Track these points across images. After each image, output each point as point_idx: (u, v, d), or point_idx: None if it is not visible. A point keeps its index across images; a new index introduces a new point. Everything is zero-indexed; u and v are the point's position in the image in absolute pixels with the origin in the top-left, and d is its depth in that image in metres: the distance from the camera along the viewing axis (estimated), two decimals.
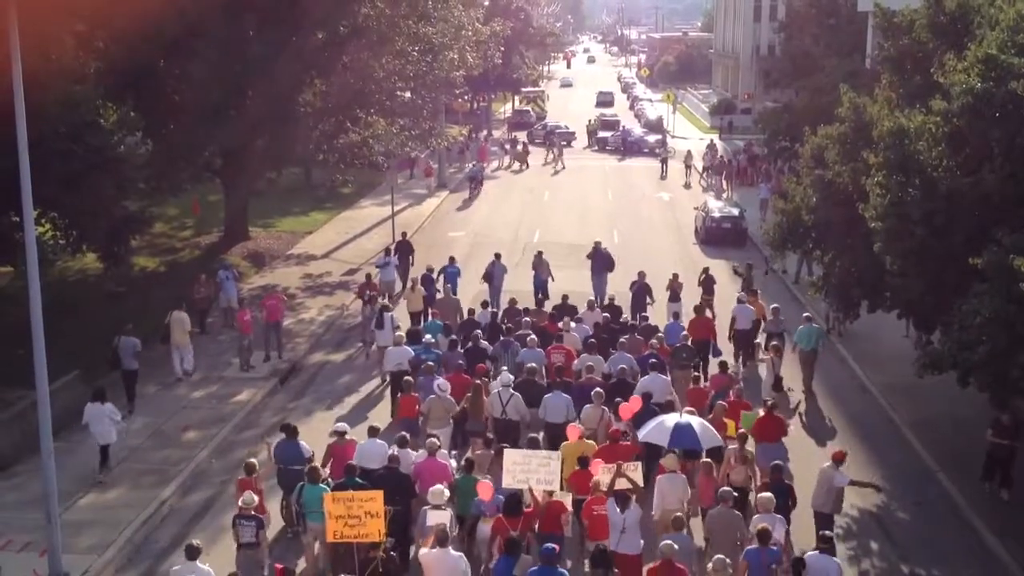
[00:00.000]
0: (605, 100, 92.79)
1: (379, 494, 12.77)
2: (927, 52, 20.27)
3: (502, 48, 53.13)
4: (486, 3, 54.36)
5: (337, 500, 12.76)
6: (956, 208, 16.64)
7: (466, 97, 70.89)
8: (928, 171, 17.03)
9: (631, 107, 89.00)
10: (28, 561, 14.89)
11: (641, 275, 25.74)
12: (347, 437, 15.53)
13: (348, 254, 35.99)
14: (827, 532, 13.47)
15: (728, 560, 12.02)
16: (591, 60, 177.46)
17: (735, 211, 38.51)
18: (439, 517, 12.90)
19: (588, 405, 16.58)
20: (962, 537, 16.58)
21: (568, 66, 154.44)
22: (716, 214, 38.05)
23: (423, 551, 12.54)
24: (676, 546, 12.07)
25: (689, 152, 53.73)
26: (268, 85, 31.81)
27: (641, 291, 25.32)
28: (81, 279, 30.61)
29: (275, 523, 15.43)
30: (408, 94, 39.62)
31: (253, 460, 15.17)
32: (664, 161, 55.25)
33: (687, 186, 50.93)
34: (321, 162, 39.49)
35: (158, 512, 16.80)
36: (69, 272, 30.86)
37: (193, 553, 12.44)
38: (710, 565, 11.93)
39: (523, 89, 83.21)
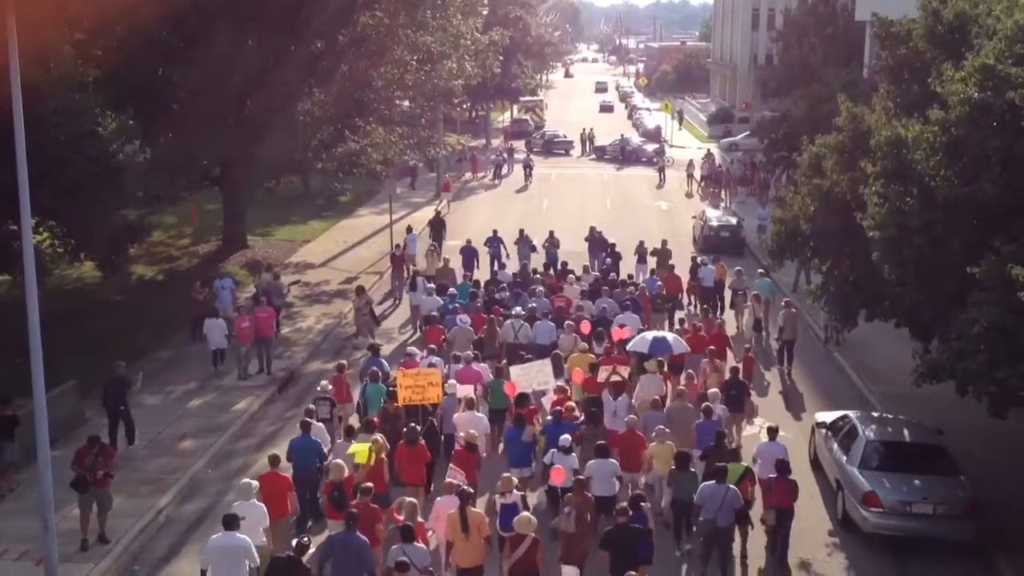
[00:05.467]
0: (601, 87, 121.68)
1: (437, 371, 18.23)
2: (925, 62, 20.29)
3: (501, 57, 53.07)
4: (485, 12, 54.33)
5: (407, 374, 17.59)
6: (954, 217, 16.65)
7: (465, 106, 70.94)
8: (926, 180, 17.04)
9: (629, 116, 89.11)
10: (25, 570, 14.86)
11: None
12: (415, 358, 19.86)
13: (346, 263, 35.99)
14: (772, 424, 17.40)
15: (672, 440, 16.46)
16: (593, 60, 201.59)
17: (733, 220, 38.58)
18: (466, 391, 17.93)
19: (563, 335, 21.89)
20: (962, 547, 16.52)
21: (567, 74, 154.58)
22: (714, 223, 38.13)
23: (457, 414, 17.18)
24: (637, 419, 17.11)
25: (691, 162, 53.82)
26: (267, 94, 31.87)
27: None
28: (79, 288, 30.60)
29: None
30: (407, 103, 39.70)
31: (344, 362, 20.60)
32: (662, 170, 55.34)
33: (688, 195, 50.99)
34: (320, 171, 39.54)
35: (155, 521, 16.76)
36: (67, 281, 30.85)
37: (275, 461, 15.39)
38: (654, 433, 16.47)
39: (522, 98, 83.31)
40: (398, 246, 32.63)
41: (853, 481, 16.75)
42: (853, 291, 20.96)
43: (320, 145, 35.72)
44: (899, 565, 16.13)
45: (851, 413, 18.94)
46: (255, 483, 14.17)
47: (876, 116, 20.30)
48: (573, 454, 15.70)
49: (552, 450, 15.83)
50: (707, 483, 14.95)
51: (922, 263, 17.18)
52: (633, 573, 12.42)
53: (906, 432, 18.12)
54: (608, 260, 30.61)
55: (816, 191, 22.18)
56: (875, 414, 19.78)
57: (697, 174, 52.79)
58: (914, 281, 17.66)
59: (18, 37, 12.69)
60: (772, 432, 16.95)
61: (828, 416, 19.40)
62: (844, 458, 17.36)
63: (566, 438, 15.80)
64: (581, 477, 14.65)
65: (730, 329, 26.31)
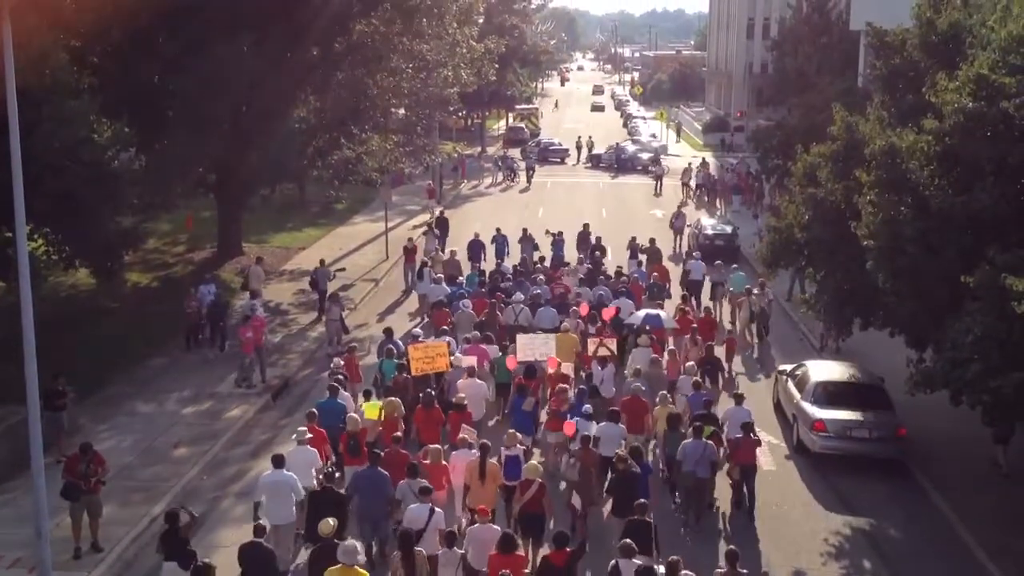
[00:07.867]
0: (597, 90, 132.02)
1: (445, 344, 20.44)
2: (919, 71, 20.37)
3: (496, 65, 53.19)
4: (481, 21, 54.46)
5: (417, 348, 20.03)
6: (948, 227, 16.70)
7: (460, 114, 70.99)
8: (920, 190, 17.10)
9: (624, 125, 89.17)
10: None
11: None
12: (419, 340, 21.44)
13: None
14: (739, 392, 19.58)
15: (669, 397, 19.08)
16: (591, 70, 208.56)
17: (728, 228, 38.62)
18: (470, 361, 20.01)
19: (567, 319, 23.70)
20: (955, 555, 16.59)
21: (562, 83, 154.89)
22: (709, 231, 38.17)
23: (460, 380, 19.35)
24: (643, 387, 18.96)
25: (686, 170, 53.87)
26: (263, 101, 31.85)
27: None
28: (73, 295, 30.51)
29: None
30: (402, 111, 39.71)
31: (355, 344, 23.29)
32: (658, 178, 55.36)
33: (684, 204, 50.97)
34: (315, 178, 39.48)
35: (148, 529, 16.68)
36: (61, 288, 30.75)
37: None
38: (656, 399, 18.70)
39: (517, 106, 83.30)
40: (410, 239, 33.97)
41: (805, 412, 20.15)
42: (847, 300, 21.02)
43: (316, 153, 35.69)
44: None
45: (807, 362, 22.49)
46: (310, 433, 16.26)
47: (870, 125, 20.37)
48: (593, 420, 17.69)
49: (577, 418, 17.61)
50: (687, 441, 17.03)
51: (916, 272, 17.23)
52: (644, 501, 14.04)
53: (850, 374, 21.38)
54: (596, 253, 32.35)
55: (810, 200, 22.22)
56: (826, 361, 23.04)
57: (692, 182, 52.81)
58: (908, 290, 17.70)
59: (13, 43, 12.69)
60: (739, 398, 18.95)
61: (788, 366, 22.72)
62: (799, 395, 20.75)
63: (588, 407, 17.98)
64: (588, 434, 16.49)
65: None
